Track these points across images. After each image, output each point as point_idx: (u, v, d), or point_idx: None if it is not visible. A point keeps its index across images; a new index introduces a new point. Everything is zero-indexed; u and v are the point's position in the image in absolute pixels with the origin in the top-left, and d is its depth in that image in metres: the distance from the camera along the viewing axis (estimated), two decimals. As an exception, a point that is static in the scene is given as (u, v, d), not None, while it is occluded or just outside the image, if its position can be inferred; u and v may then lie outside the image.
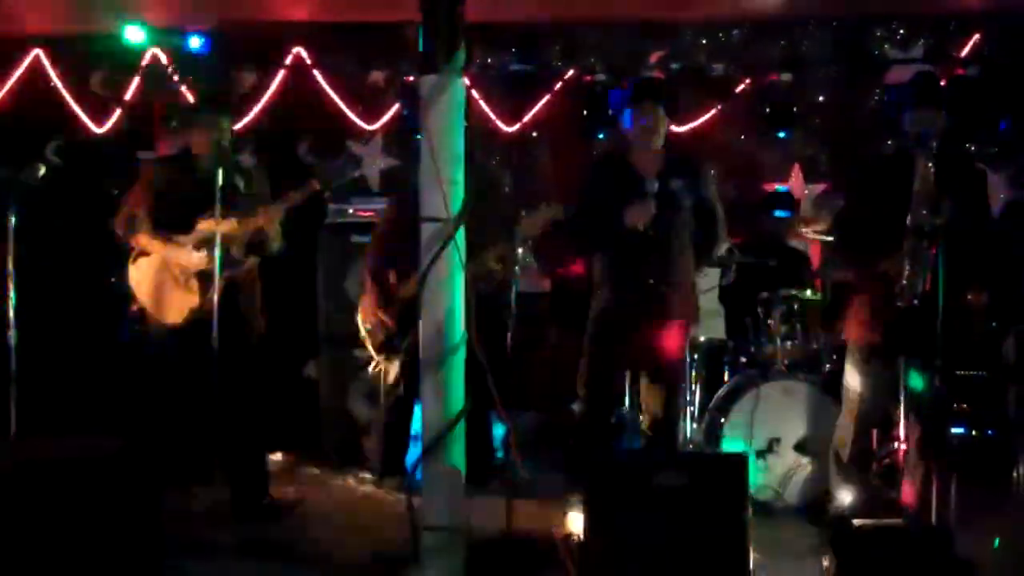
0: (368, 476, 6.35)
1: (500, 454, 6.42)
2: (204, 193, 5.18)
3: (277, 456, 6.62)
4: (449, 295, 4.36)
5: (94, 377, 6.72)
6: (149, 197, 5.39)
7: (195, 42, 6.63)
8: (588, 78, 7.33)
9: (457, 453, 4.40)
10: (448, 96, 4.30)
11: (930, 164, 4.72)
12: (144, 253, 5.41)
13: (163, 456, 5.18)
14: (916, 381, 4.98)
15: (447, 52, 4.26)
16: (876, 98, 6.76)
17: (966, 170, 4.96)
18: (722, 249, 5.71)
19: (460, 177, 4.35)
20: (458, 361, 4.37)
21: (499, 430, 6.37)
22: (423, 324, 4.39)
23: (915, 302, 4.72)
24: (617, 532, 4.24)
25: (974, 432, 6.68)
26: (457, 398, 4.38)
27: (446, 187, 4.29)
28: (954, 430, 6.28)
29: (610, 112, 7.15)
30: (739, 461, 4.39)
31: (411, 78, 6.99)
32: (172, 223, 5.35)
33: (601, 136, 7.38)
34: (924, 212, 4.69)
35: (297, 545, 5.13)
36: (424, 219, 4.35)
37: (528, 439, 6.81)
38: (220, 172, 5.10)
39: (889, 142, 5.07)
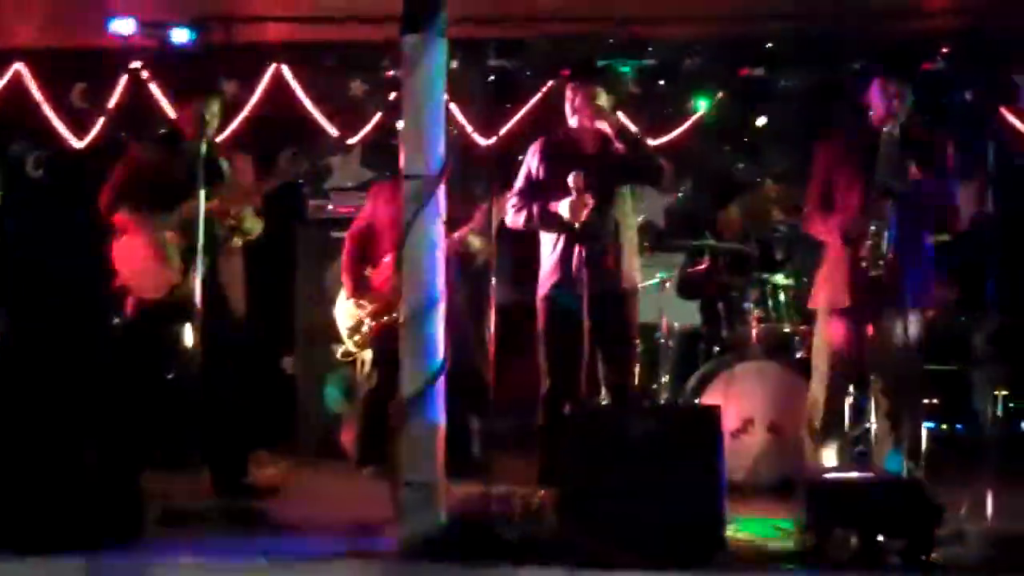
0: (345, 465, 6.38)
1: (477, 450, 6.48)
2: (188, 174, 5.27)
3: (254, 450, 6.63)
4: (429, 251, 4.45)
5: (77, 354, 6.74)
6: (134, 176, 5.50)
7: (179, 34, 6.74)
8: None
9: (436, 409, 4.46)
10: (430, 56, 4.42)
11: (895, 132, 4.89)
12: (127, 231, 5.48)
13: (141, 433, 5.29)
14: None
15: (429, 12, 4.40)
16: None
17: (931, 141, 5.12)
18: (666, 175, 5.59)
19: (441, 135, 4.47)
20: (437, 317, 4.45)
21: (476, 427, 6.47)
22: (404, 280, 4.47)
23: (880, 264, 4.85)
24: (594, 480, 4.32)
25: (943, 426, 6.79)
26: (436, 353, 4.45)
27: (427, 145, 4.42)
28: (924, 424, 6.38)
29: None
30: (712, 410, 4.49)
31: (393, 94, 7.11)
32: (155, 202, 5.44)
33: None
34: (887, 175, 4.85)
35: (275, 515, 5.12)
36: (406, 176, 4.46)
37: (504, 442, 6.85)
38: (204, 152, 5.21)
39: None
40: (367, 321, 6.19)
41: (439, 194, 4.43)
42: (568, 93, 5.49)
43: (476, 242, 6.03)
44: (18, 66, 7.54)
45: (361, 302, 6.20)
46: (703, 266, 6.63)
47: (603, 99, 5.43)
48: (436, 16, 4.39)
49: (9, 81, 7.55)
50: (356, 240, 6.35)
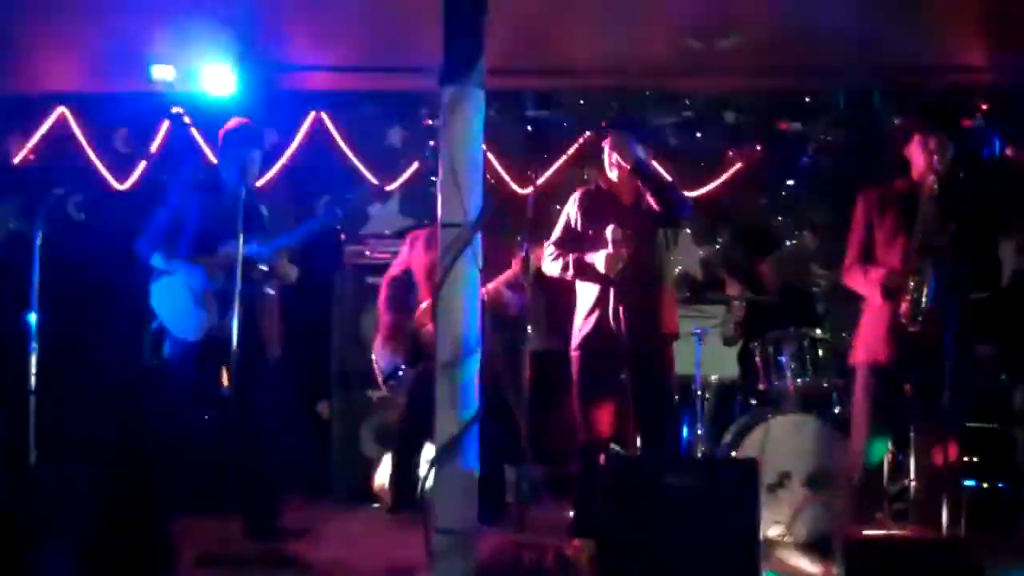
0: (379, 509, 6.37)
1: (510, 499, 6.45)
2: (228, 217, 5.33)
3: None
4: (466, 299, 4.43)
5: (114, 396, 6.79)
6: (174, 219, 5.55)
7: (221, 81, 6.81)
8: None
9: (471, 456, 4.44)
10: (468, 106, 4.43)
11: (935, 186, 4.86)
12: (166, 272, 5.52)
13: (173, 474, 5.29)
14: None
15: (468, 64, 4.42)
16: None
17: (971, 196, 5.08)
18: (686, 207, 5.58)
19: (479, 184, 4.47)
20: (472, 364, 4.43)
21: (510, 475, 6.44)
22: (439, 327, 4.46)
23: (919, 319, 4.81)
24: (629, 531, 4.28)
25: (985, 484, 6.68)
26: (471, 401, 4.43)
27: (465, 193, 4.42)
28: (965, 483, 6.28)
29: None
30: (750, 463, 4.44)
31: (431, 143, 7.18)
32: (195, 245, 5.49)
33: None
34: (928, 230, 4.82)
35: (309, 559, 5.13)
36: (443, 225, 4.46)
37: (538, 491, 6.82)
38: (244, 197, 5.27)
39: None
40: (402, 367, 6.20)
41: (476, 243, 4.43)
42: (606, 145, 5.51)
43: (506, 293, 6.04)
44: (62, 109, 7.66)
45: (397, 348, 6.21)
46: (741, 317, 6.61)
47: (640, 151, 5.44)
48: (475, 68, 4.41)
49: (53, 124, 7.67)
50: (393, 286, 6.38)
